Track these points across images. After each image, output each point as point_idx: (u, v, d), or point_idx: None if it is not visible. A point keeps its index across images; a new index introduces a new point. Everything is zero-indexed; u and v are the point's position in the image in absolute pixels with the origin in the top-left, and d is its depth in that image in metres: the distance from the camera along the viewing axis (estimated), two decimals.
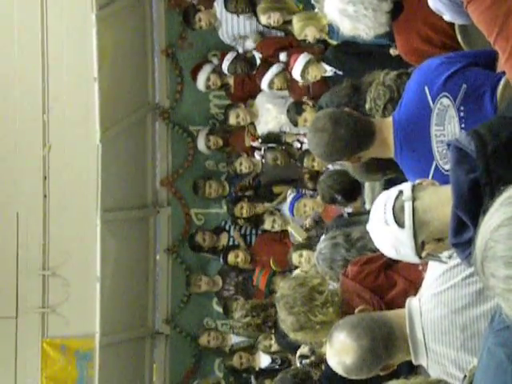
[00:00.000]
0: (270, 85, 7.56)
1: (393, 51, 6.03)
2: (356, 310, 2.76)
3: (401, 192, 2.61)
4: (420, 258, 2.60)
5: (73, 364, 8.43)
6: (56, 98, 8.35)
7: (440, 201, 2.27)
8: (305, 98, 7.40)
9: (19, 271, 8.47)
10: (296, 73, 7.08)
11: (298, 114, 7.12)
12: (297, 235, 7.49)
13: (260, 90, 7.99)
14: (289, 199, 7.64)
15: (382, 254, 2.71)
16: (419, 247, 2.59)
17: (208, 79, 8.07)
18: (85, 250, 8.16)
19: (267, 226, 7.89)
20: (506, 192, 1.58)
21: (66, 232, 8.38)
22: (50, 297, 8.46)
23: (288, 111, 7.33)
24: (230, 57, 7.92)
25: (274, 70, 7.56)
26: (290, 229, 7.66)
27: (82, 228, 8.25)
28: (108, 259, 7.86)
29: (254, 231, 8.29)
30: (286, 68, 7.42)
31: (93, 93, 7.59)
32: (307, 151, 7.47)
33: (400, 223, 2.56)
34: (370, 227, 2.72)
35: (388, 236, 2.61)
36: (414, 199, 2.56)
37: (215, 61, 8.29)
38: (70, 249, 8.38)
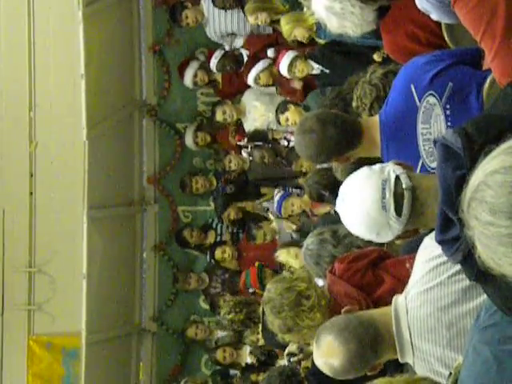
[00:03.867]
0: (256, 80, 7.55)
1: (377, 56, 6.05)
2: (342, 311, 2.76)
3: (397, 177, 2.61)
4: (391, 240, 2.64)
5: (59, 361, 8.41)
6: (42, 95, 8.32)
7: (435, 193, 2.27)
8: (290, 99, 7.42)
9: (5, 268, 8.45)
10: (283, 67, 7.08)
11: (281, 112, 7.14)
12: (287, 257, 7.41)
13: (247, 87, 7.99)
14: (276, 198, 7.63)
15: (369, 252, 2.71)
16: (402, 234, 2.62)
17: (195, 75, 8.06)
18: (71, 247, 8.14)
19: (259, 240, 7.86)
20: (509, 140, 1.60)
21: (52, 229, 8.36)
22: (36, 294, 8.44)
23: (276, 111, 7.34)
24: (217, 54, 7.91)
25: (261, 65, 7.56)
26: (281, 223, 7.58)
27: (69, 225, 8.23)
28: (94, 257, 7.84)
29: (241, 229, 8.29)
30: (274, 64, 7.42)
31: (79, 90, 7.57)
32: (294, 151, 7.46)
33: (397, 211, 2.57)
34: (347, 205, 2.67)
35: (376, 219, 2.61)
36: (413, 188, 2.58)
37: (202, 57, 8.28)
38: (57, 246, 8.36)
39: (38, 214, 8.40)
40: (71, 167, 8.15)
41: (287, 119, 7.06)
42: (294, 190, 7.70)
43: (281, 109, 7.10)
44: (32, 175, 8.40)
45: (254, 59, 7.66)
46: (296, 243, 6.88)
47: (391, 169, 2.65)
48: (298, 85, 7.28)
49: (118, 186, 8.41)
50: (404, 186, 2.60)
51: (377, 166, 2.68)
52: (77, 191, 7.90)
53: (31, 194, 8.40)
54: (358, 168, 3.34)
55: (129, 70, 8.32)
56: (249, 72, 7.64)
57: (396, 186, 2.60)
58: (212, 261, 8.27)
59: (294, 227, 7.18)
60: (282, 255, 7.06)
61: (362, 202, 2.63)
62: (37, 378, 8.42)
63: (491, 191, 1.56)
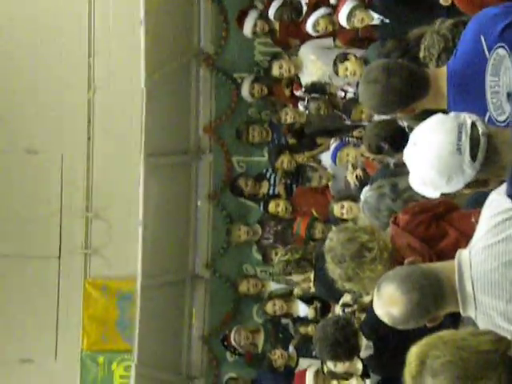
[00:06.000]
0: (315, 26, 7.47)
1: (443, 0, 5.92)
2: (406, 261, 2.75)
3: (473, 123, 2.59)
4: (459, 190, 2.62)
5: (114, 304, 8.56)
6: (102, 41, 8.35)
7: (510, 144, 2.25)
8: (350, 48, 7.33)
9: (63, 213, 8.58)
10: (342, 16, 6.99)
11: (341, 62, 7.06)
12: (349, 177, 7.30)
13: (306, 38, 7.92)
14: (332, 147, 7.59)
15: (436, 204, 2.69)
16: (473, 183, 2.60)
17: (255, 25, 8.01)
18: (128, 193, 8.23)
19: (314, 183, 7.85)
20: None
21: (109, 175, 8.46)
22: (92, 238, 8.57)
23: (334, 62, 7.27)
24: (276, 3, 7.84)
25: (321, 11, 7.48)
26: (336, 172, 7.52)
27: (126, 172, 8.31)
28: (150, 203, 7.92)
29: (295, 182, 8.27)
30: (334, 12, 7.33)
31: (138, 37, 7.57)
32: (354, 103, 7.40)
33: (472, 155, 2.55)
34: (419, 148, 2.64)
35: (449, 162, 2.58)
36: (489, 135, 2.56)
37: (260, 6, 8.21)
38: (113, 192, 8.46)
39: (96, 159, 8.49)
40: (129, 114, 8.21)
41: (346, 69, 6.98)
42: (350, 139, 7.63)
43: (340, 58, 7.02)
44: (90, 121, 8.48)
45: (315, 7, 7.58)
46: (351, 196, 6.87)
47: (467, 116, 2.62)
48: None
49: (174, 134, 8.45)
50: (481, 132, 2.57)
51: (451, 113, 2.66)
52: (134, 138, 7.96)
53: (89, 139, 8.49)
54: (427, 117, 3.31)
55: (187, 17, 8.30)
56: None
57: (472, 131, 2.58)
58: (265, 212, 8.29)
59: (357, 175, 7.08)
60: (336, 209, 7.06)
61: (436, 145, 2.61)
62: (92, 320, 8.58)
63: None
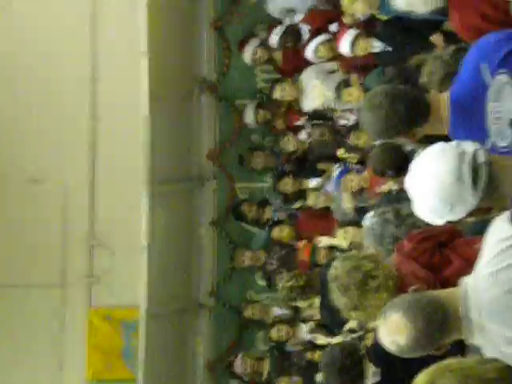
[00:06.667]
0: (316, 52, 7.51)
1: (434, 38, 5.96)
2: (410, 289, 2.74)
3: (475, 152, 2.60)
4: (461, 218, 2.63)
5: (118, 333, 8.53)
6: (105, 69, 8.40)
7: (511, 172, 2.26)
8: (353, 74, 7.37)
9: (66, 241, 8.58)
10: (345, 45, 7.03)
11: (345, 86, 7.09)
12: (346, 202, 7.37)
13: (308, 65, 7.95)
14: (335, 173, 7.61)
15: (440, 231, 2.69)
16: (475, 211, 2.60)
17: (255, 53, 8.05)
18: (131, 221, 8.23)
19: (311, 201, 7.88)
20: None
21: (113, 202, 8.46)
22: (95, 267, 8.56)
23: (337, 88, 7.30)
24: (278, 31, 7.88)
25: (322, 37, 7.52)
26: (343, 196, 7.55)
27: (128, 199, 8.31)
28: (154, 230, 7.92)
29: (298, 208, 8.28)
30: (334, 38, 7.36)
31: (142, 66, 7.61)
32: (353, 128, 7.44)
33: (474, 183, 2.56)
34: (420, 177, 2.65)
35: (451, 190, 2.60)
36: (490, 164, 2.56)
37: (263, 35, 8.26)
38: (117, 219, 8.46)
39: (99, 187, 8.50)
40: (132, 142, 8.22)
41: (350, 94, 7.01)
42: (353, 166, 7.65)
43: (344, 83, 7.06)
44: (93, 148, 8.50)
45: (316, 34, 7.62)
46: (354, 222, 6.87)
47: (468, 144, 2.63)
48: None
49: (178, 162, 8.47)
50: (482, 160, 2.58)
51: (452, 142, 2.67)
52: (137, 165, 7.97)
53: (92, 166, 8.50)
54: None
55: (190, 46, 8.35)
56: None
57: (474, 160, 2.59)
58: (269, 238, 8.29)
59: (353, 205, 7.16)
60: (340, 235, 7.06)
61: (437, 173, 2.63)
62: (96, 350, 8.55)
63: None
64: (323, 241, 7.42)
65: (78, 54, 8.46)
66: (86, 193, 8.51)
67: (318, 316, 7.17)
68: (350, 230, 6.98)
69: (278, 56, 8.17)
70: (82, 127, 8.49)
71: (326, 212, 8.00)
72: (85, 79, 8.43)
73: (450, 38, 4.55)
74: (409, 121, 3.33)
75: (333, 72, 7.78)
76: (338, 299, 3.32)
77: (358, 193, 7.23)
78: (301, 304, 7.12)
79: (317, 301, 5.77)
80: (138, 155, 7.92)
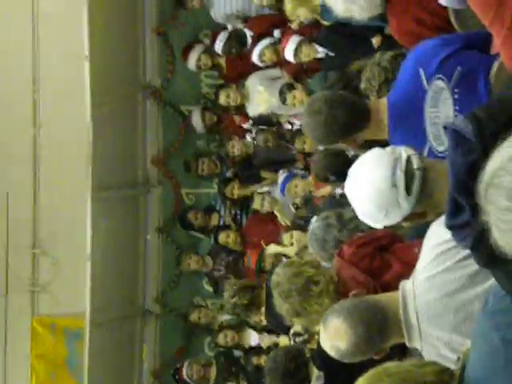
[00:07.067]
0: (261, 56, 7.53)
1: (375, 41, 6.04)
2: (350, 294, 2.76)
3: (409, 158, 2.63)
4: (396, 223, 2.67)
5: (63, 342, 8.44)
6: (46, 76, 8.31)
7: (446, 176, 2.29)
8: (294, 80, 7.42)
9: (9, 249, 8.47)
10: (289, 52, 7.06)
11: (289, 90, 7.13)
12: (282, 220, 7.52)
13: (252, 70, 7.97)
14: (280, 179, 7.64)
15: (379, 236, 2.71)
16: (410, 216, 2.64)
17: (199, 59, 8.05)
18: (75, 228, 8.15)
19: (256, 205, 7.89)
20: None
21: (56, 210, 8.37)
22: (39, 275, 8.46)
23: (280, 91, 7.32)
24: (222, 37, 7.87)
25: (266, 41, 7.55)
26: (275, 212, 7.67)
27: (73, 206, 8.23)
28: (98, 238, 7.85)
29: (244, 212, 8.29)
30: (279, 43, 7.39)
31: (84, 71, 7.55)
32: (298, 133, 7.48)
33: (407, 189, 2.59)
34: (357, 182, 2.70)
35: (386, 196, 2.64)
36: (424, 169, 2.60)
37: (206, 41, 8.26)
38: (60, 227, 8.38)
39: (42, 195, 8.41)
40: (75, 149, 8.15)
41: (294, 97, 7.06)
42: (298, 171, 7.69)
43: (288, 87, 7.10)
44: (36, 157, 8.41)
45: (259, 39, 7.63)
46: (300, 227, 6.89)
47: (403, 150, 2.67)
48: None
49: (122, 168, 8.41)
50: (415, 166, 2.62)
51: (388, 148, 2.70)
52: (81, 172, 7.89)
53: (35, 174, 8.41)
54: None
55: (133, 51, 8.30)
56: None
57: (407, 166, 2.63)
58: (216, 243, 8.28)
59: (295, 209, 7.19)
60: (286, 239, 7.08)
61: (372, 179, 2.66)
62: (41, 359, 8.45)
63: (510, 177, 1.55)
64: (271, 248, 7.43)
65: (19, 62, 8.35)
66: (29, 200, 8.41)
67: (264, 321, 7.17)
68: (295, 234, 7.00)
69: (223, 62, 8.17)
70: (24, 135, 8.39)
71: (271, 216, 8.02)
72: (26, 88, 8.33)
73: (391, 41, 4.60)
74: (348, 126, 3.36)
75: (277, 78, 7.80)
76: (281, 306, 3.33)
77: (305, 203, 7.26)
78: (245, 317, 7.12)
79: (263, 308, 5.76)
80: (83, 162, 7.84)
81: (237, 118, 8.17)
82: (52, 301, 8.43)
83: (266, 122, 7.95)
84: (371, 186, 2.64)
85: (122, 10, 8.16)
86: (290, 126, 7.85)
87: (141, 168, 8.55)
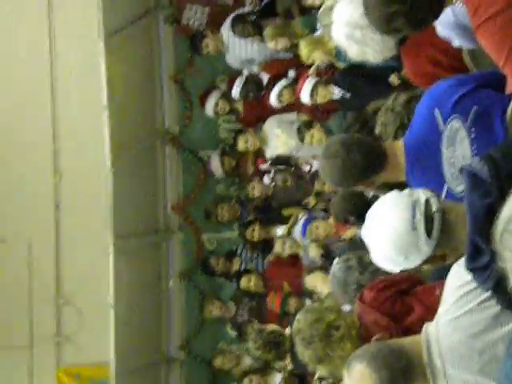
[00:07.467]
0: (279, 97, 7.56)
1: (393, 79, 6.07)
2: (373, 339, 2.75)
3: (427, 200, 2.63)
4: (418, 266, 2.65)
5: None
6: (66, 126, 8.39)
7: (465, 218, 2.28)
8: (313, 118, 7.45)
9: (33, 300, 8.48)
10: (305, 94, 7.10)
11: (307, 129, 7.16)
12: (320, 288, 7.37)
13: (269, 114, 8.02)
14: (300, 222, 7.62)
15: (400, 280, 2.71)
16: (430, 258, 2.63)
17: (216, 105, 8.11)
18: (98, 277, 8.16)
19: (277, 249, 7.87)
20: None
21: (78, 260, 8.40)
22: (63, 325, 8.46)
23: (298, 130, 7.35)
24: (239, 83, 7.94)
25: (283, 82, 7.59)
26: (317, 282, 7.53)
27: (95, 255, 8.25)
28: (121, 286, 7.85)
29: (266, 255, 8.28)
30: (295, 83, 7.43)
31: (103, 120, 7.62)
32: (317, 174, 7.48)
33: (428, 232, 2.58)
34: (375, 226, 2.68)
35: (406, 240, 2.62)
36: (444, 211, 2.59)
37: (223, 86, 8.33)
38: (83, 276, 8.39)
39: (64, 244, 8.44)
40: (96, 197, 8.19)
41: (312, 136, 7.08)
42: (318, 213, 7.68)
43: (306, 126, 7.12)
44: (57, 206, 8.45)
45: (275, 80, 7.68)
46: (321, 268, 6.87)
47: (421, 192, 2.66)
48: None
49: (143, 215, 8.44)
50: (434, 209, 2.61)
51: (406, 190, 2.70)
52: (102, 221, 7.93)
53: (57, 224, 8.45)
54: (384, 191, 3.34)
55: (151, 99, 8.38)
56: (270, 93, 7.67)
57: (426, 208, 2.62)
58: (238, 289, 8.27)
59: (320, 253, 7.17)
60: (310, 279, 7.05)
61: (391, 222, 2.65)
62: None
63: None
64: (309, 280, 7.27)
65: (39, 113, 8.45)
66: (51, 251, 8.44)
67: (290, 365, 7.13)
68: (318, 275, 6.97)
69: (240, 107, 8.23)
70: (46, 183, 8.45)
71: (293, 259, 8.00)
72: (47, 137, 8.41)
73: (408, 80, 4.63)
74: (365, 169, 3.35)
75: (294, 122, 7.84)
76: (303, 352, 3.32)
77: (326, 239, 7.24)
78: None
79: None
80: (104, 211, 7.89)
81: (251, 167, 8.21)
82: (76, 351, 8.42)
83: (284, 162, 7.97)
84: (390, 230, 2.63)
85: (138, 59, 8.25)
86: (308, 168, 7.86)
87: (162, 214, 8.58)
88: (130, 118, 8.07)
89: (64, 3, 8.18)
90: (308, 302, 7.42)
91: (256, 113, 8.18)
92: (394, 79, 6.15)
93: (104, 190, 7.81)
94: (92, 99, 8.06)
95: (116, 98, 7.68)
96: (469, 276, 2.53)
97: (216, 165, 8.34)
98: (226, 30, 7.95)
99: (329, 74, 7.08)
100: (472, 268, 2.20)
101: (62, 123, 8.43)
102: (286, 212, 8.15)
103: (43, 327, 8.49)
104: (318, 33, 6.72)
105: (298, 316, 3.42)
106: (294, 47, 7.23)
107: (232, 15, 7.95)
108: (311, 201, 7.82)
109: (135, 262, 8.20)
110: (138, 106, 8.23)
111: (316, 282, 6.53)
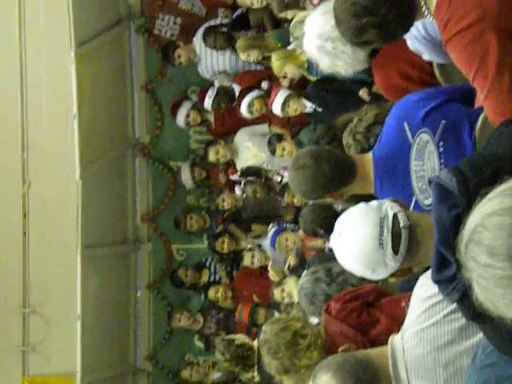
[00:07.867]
0: (249, 107, 7.58)
1: (363, 93, 6.11)
2: (340, 349, 2.75)
3: (395, 215, 2.63)
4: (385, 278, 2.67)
5: None
6: (35, 135, 8.33)
7: (432, 231, 2.29)
8: (284, 131, 7.46)
9: None
10: (277, 106, 7.12)
11: (278, 141, 7.17)
12: (274, 278, 7.48)
13: (241, 125, 8.02)
14: (270, 233, 7.63)
15: (366, 292, 2.71)
16: (397, 272, 2.64)
17: (188, 116, 8.10)
18: (65, 287, 8.10)
19: (246, 262, 7.88)
20: (507, 182, 1.60)
21: (46, 269, 8.32)
22: (30, 335, 8.38)
23: (269, 142, 7.37)
24: (211, 94, 7.94)
25: (254, 93, 7.60)
26: (270, 270, 7.64)
27: (63, 265, 8.19)
28: (89, 296, 7.80)
29: (235, 267, 8.28)
30: (267, 95, 7.45)
31: (72, 129, 7.58)
32: (287, 186, 7.50)
33: (394, 249, 2.60)
34: (343, 240, 2.69)
35: (372, 256, 2.63)
36: (411, 227, 2.60)
37: (194, 97, 8.33)
38: (50, 286, 8.32)
39: (32, 254, 8.37)
40: (64, 207, 8.14)
41: (283, 149, 7.10)
42: (288, 225, 7.70)
43: (277, 138, 7.14)
44: (25, 215, 8.39)
45: (247, 92, 7.69)
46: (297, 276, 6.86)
47: (389, 206, 2.67)
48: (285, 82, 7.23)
49: (112, 225, 8.40)
50: (402, 225, 2.62)
51: (374, 203, 2.70)
52: (70, 231, 7.88)
53: (24, 234, 8.38)
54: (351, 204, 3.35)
55: (121, 109, 8.35)
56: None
57: (394, 224, 2.62)
58: (206, 300, 8.25)
59: (298, 262, 7.16)
60: (277, 294, 7.04)
61: (358, 239, 2.65)
62: None
63: (489, 233, 1.56)
64: (276, 294, 7.25)
65: (7, 120, 8.38)
66: (18, 260, 8.36)
67: (257, 378, 7.11)
68: (286, 288, 6.97)
69: (211, 118, 8.23)
70: (14, 195, 8.38)
71: (262, 270, 8.00)
72: (15, 146, 8.34)
73: (378, 94, 4.65)
74: (334, 181, 3.36)
75: (265, 134, 7.85)
76: (270, 363, 3.31)
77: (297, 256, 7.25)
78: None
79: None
80: (72, 220, 7.83)
81: (222, 178, 8.21)
82: (43, 361, 8.34)
83: (255, 173, 7.98)
84: (357, 246, 2.64)
85: (110, 68, 8.22)
86: (279, 179, 7.87)
87: (131, 225, 8.54)
88: (101, 127, 8.03)
89: (34, 12, 8.13)
90: (276, 314, 7.42)
91: (227, 124, 8.18)
92: (363, 93, 6.19)
93: (73, 200, 7.77)
94: (62, 109, 8.02)
95: (86, 107, 7.65)
96: (435, 288, 2.53)
97: (186, 175, 8.33)
98: (198, 40, 7.95)
99: (302, 88, 7.10)
100: (438, 280, 2.20)
101: (31, 132, 8.36)
102: (254, 227, 8.16)
103: (9, 336, 8.40)
104: (291, 46, 6.73)
105: (264, 327, 3.42)
106: (266, 60, 7.25)
107: (204, 26, 7.96)
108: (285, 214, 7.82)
109: (103, 272, 8.16)
110: (108, 115, 8.20)
111: (292, 290, 6.53)
